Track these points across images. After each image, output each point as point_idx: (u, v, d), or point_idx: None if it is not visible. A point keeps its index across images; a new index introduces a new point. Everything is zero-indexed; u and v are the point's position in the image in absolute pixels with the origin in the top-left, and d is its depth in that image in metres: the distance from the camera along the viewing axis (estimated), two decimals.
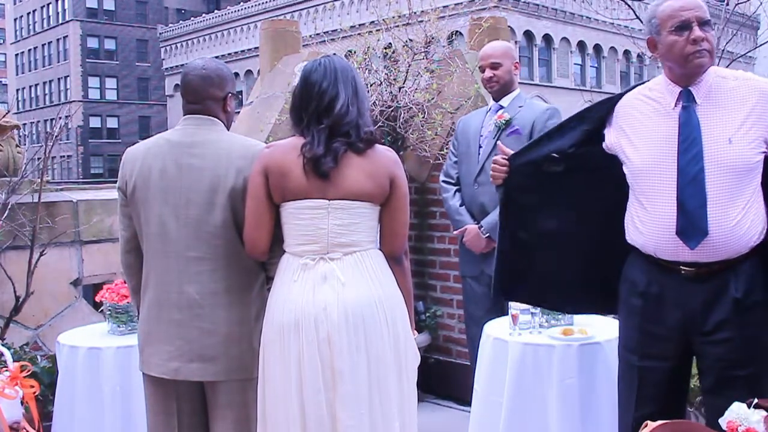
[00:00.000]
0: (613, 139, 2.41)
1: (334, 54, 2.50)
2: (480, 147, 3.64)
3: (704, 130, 2.22)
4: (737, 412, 1.97)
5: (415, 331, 2.40)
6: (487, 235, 3.52)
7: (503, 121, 3.56)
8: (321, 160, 2.18)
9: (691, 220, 2.19)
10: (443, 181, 3.80)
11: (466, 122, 3.81)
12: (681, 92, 2.27)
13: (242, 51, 41.19)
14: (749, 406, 1.98)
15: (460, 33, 6.20)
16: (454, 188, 3.73)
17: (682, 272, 2.25)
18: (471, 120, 3.79)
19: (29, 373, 2.82)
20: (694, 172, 2.19)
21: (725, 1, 9.60)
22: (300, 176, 2.20)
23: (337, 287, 2.18)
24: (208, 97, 2.39)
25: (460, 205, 3.67)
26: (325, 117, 2.22)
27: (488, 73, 3.62)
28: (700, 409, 2.96)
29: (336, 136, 2.21)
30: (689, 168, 2.20)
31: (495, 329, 3.02)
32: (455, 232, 3.72)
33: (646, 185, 2.29)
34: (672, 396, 2.37)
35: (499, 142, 3.24)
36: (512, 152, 2.58)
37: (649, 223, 2.28)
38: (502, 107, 3.63)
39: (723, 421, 1.97)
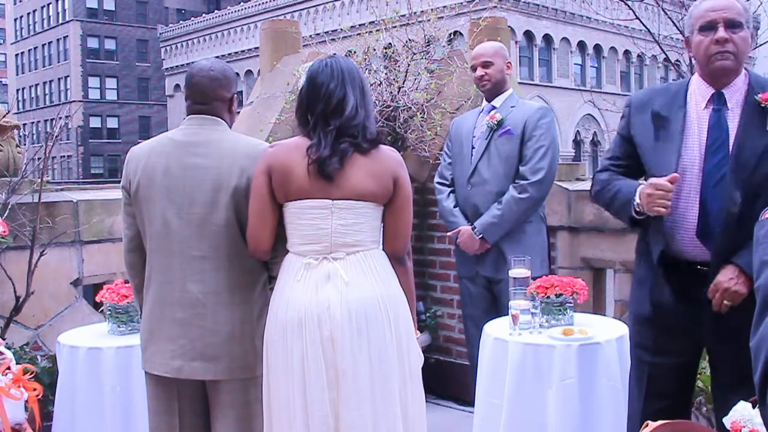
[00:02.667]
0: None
1: (335, 54, 2.50)
2: (473, 148, 3.64)
3: (731, 134, 2.21)
4: (741, 412, 1.95)
5: (418, 331, 2.40)
6: (481, 236, 3.52)
7: (495, 122, 3.56)
8: (327, 162, 2.18)
9: (713, 224, 2.19)
10: (437, 183, 3.81)
11: (459, 123, 3.82)
12: (713, 95, 2.26)
13: (242, 51, 41.19)
14: (754, 406, 1.97)
15: (460, 33, 6.20)
16: (449, 189, 3.74)
17: (699, 270, 2.26)
18: (464, 121, 3.80)
19: (32, 376, 2.81)
20: (719, 176, 2.19)
21: None
22: (303, 176, 2.20)
23: (341, 286, 2.18)
24: (217, 98, 2.39)
25: (454, 207, 3.67)
26: (333, 118, 2.22)
27: (480, 71, 3.64)
28: (700, 409, 2.96)
29: (343, 137, 2.21)
30: (715, 171, 2.20)
31: (495, 329, 3.01)
32: (449, 234, 3.73)
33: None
34: (680, 392, 2.39)
35: None
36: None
37: (669, 222, 2.28)
38: (494, 108, 3.63)
39: (727, 421, 1.96)
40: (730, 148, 2.20)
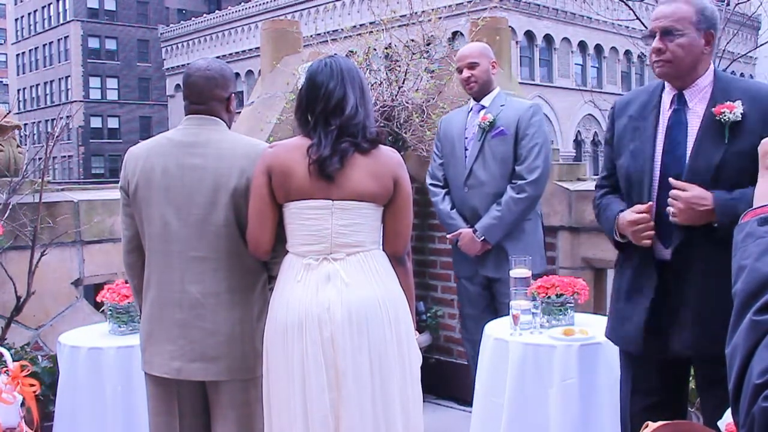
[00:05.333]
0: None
1: (335, 54, 2.50)
2: (466, 149, 3.60)
3: (691, 135, 2.26)
4: None
5: (417, 332, 2.40)
6: (482, 238, 3.50)
7: (487, 123, 3.52)
8: (327, 162, 2.18)
9: (667, 221, 2.24)
10: (430, 184, 3.75)
11: (447, 122, 3.76)
12: (675, 95, 2.32)
13: (243, 51, 41.19)
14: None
15: (461, 33, 6.20)
16: (443, 191, 3.69)
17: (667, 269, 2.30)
18: (452, 120, 3.74)
19: (29, 372, 2.81)
20: (674, 174, 2.23)
21: (725, 1, 9.59)
22: (304, 176, 2.20)
23: (341, 287, 2.18)
24: (213, 97, 2.39)
25: (451, 209, 3.63)
26: (334, 118, 2.21)
27: (466, 73, 3.59)
28: (700, 409, 2.97)
29: (343, 136, 2.20)
30: (670, 170, 2.25)
31: (496, 329, 3.01)
32: (449, 236, 3.67)
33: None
34: (667, 389, 2.43)
35: None
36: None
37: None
38: (483, 107, 3.60)
39: (722, 424, 1.96)
40: (688, 149, 2.24)
